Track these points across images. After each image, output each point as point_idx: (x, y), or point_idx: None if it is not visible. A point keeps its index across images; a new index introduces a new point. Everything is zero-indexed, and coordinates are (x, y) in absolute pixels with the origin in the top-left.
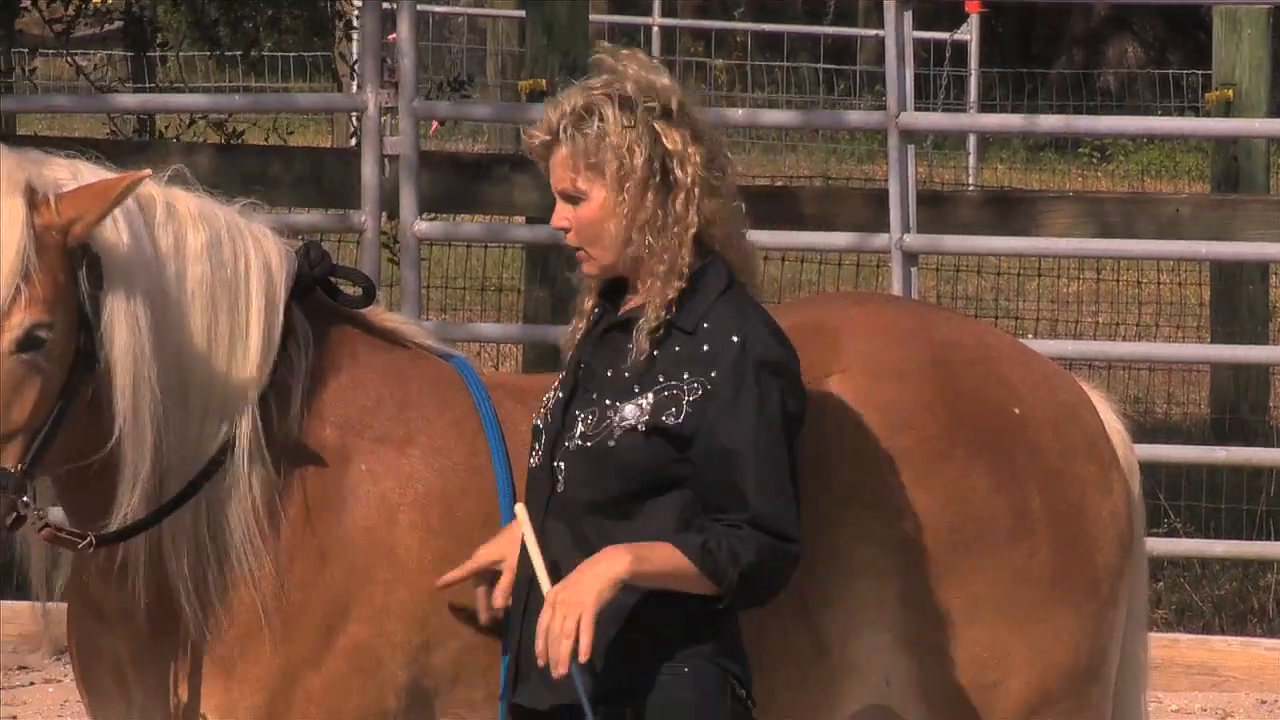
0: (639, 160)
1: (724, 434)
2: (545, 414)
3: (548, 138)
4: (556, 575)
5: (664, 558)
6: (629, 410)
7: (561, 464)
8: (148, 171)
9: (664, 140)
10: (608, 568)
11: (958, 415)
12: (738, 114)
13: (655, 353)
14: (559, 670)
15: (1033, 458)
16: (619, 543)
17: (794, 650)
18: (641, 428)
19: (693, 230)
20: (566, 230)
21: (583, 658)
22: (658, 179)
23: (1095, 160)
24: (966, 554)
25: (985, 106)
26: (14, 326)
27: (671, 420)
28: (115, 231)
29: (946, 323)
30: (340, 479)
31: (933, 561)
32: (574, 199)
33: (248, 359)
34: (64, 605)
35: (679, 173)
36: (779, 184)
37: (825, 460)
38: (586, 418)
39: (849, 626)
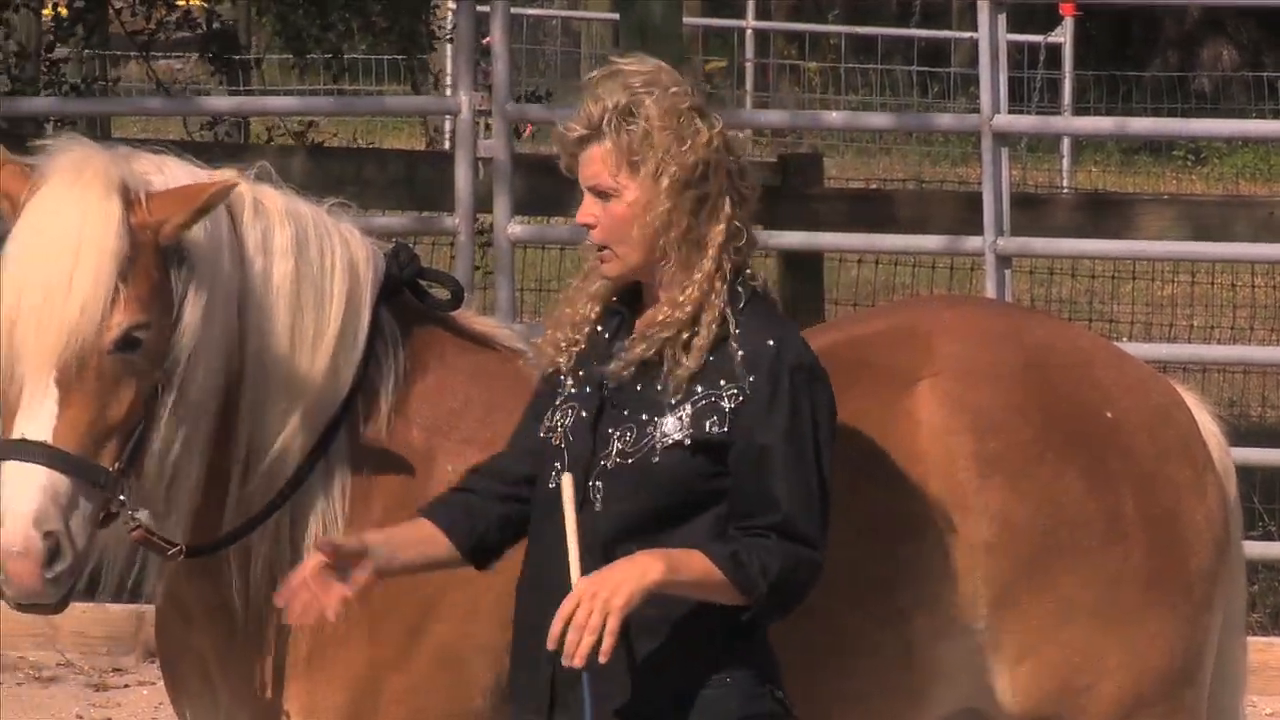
0: (677, 161)
1: (759, 437)
2: (563, 434)
3: (586, 132)
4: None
5: (695, 567)
6: (669, 424)
7: (599, 483)
8: (238, 179)
9: (702, 144)
10: (642, 573)
11: (1051, 419)
12: (832, 116)
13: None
14: (576, 662)
15: (1126, 461)
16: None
17: (884, 653)
18: (687, 441)
19: (722, 236)
20: (592, 226)
21: (603, 659)
22: (693, 182)
23: (1190, 163)
24: (1059, 557)
25: (1079, 109)
26: (113, 327)
27: (715, 429)
28: (202, 228)
29: (1040, 326)
30: (426, 480)
31: (1025, 565)
32: (605, 195)
33: (332, 357)
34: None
35: (714, 179)
36: (873, 187)
37: (915, 464)
38: (623, 435)
39: (939, 629)
